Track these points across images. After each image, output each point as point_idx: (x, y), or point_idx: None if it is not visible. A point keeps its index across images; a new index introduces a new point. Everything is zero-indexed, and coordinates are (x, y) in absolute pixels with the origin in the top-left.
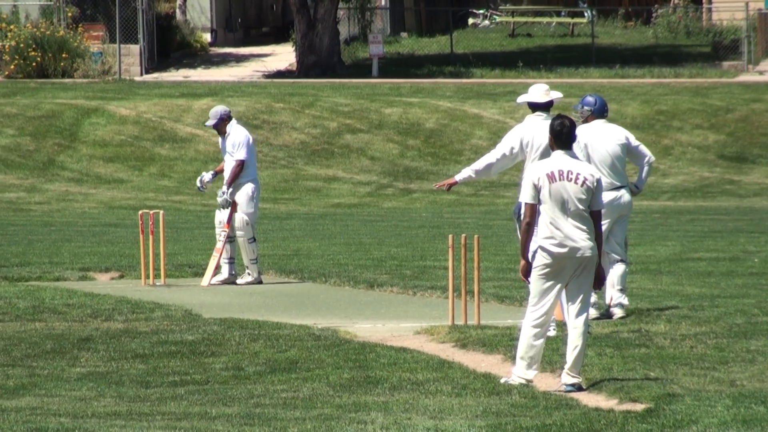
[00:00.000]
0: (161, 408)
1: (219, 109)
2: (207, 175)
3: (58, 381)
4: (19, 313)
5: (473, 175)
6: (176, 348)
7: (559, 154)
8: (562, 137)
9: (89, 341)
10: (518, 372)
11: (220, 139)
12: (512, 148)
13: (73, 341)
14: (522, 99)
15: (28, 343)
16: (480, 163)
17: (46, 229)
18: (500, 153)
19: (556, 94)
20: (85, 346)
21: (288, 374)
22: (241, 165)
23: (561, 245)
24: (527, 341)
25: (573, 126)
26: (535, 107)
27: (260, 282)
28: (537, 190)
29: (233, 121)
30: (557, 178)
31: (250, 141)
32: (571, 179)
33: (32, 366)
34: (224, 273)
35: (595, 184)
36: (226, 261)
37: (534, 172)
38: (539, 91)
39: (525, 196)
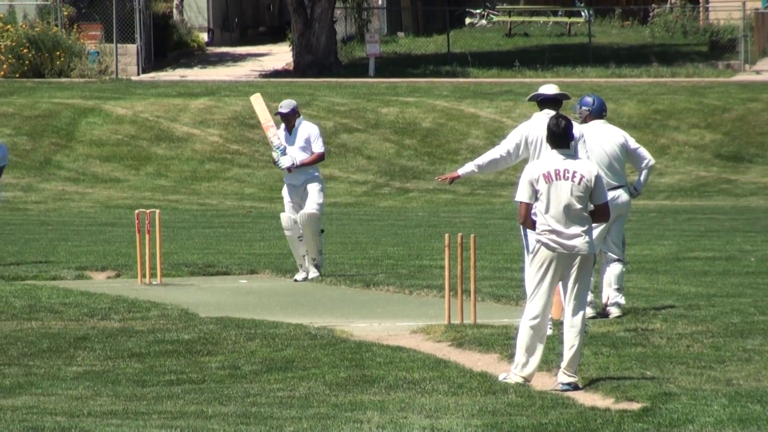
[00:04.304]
0: (157, 407)
1: (292, 101)
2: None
3: (55, 380)
4: (15, 312)
5: (476, 170)
6: (172, 347)
7: (555, 154)
8: (558, 136)
9: (85, 340)
10: (516, 371)
11: (283, 131)
12: (517, 145)
13: (70, 340)
14: (531, 96)
15: (24, 342)
16: (484, 158)
17: (43, 228)
18: (505, 149)
19: (564, 95)
20: (81, 345)
21: (284, 373)
22: (322, 156)
23: (558, 242)
24: (525, 339)
25: (569, 125)
26: (543, 103)
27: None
28: (533, 189)
29: (301, 117)
30: (554, 178)
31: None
32: (568, 178)
33: (28, 365)
34: (312, 271)
35: (593, 181)
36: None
37: (531, 171)
38: (550, 88)
39: (521, 195)
